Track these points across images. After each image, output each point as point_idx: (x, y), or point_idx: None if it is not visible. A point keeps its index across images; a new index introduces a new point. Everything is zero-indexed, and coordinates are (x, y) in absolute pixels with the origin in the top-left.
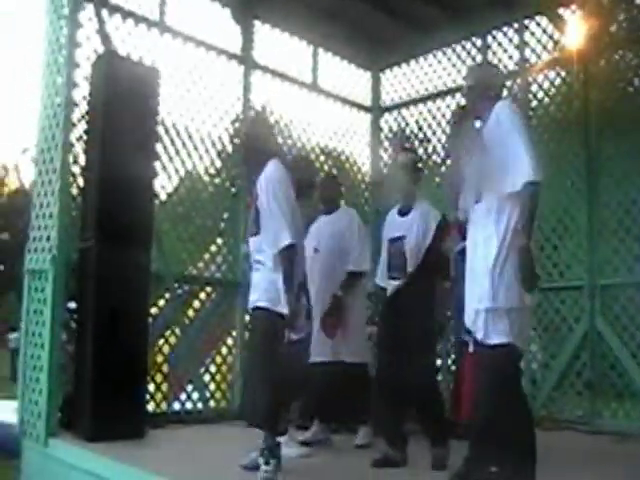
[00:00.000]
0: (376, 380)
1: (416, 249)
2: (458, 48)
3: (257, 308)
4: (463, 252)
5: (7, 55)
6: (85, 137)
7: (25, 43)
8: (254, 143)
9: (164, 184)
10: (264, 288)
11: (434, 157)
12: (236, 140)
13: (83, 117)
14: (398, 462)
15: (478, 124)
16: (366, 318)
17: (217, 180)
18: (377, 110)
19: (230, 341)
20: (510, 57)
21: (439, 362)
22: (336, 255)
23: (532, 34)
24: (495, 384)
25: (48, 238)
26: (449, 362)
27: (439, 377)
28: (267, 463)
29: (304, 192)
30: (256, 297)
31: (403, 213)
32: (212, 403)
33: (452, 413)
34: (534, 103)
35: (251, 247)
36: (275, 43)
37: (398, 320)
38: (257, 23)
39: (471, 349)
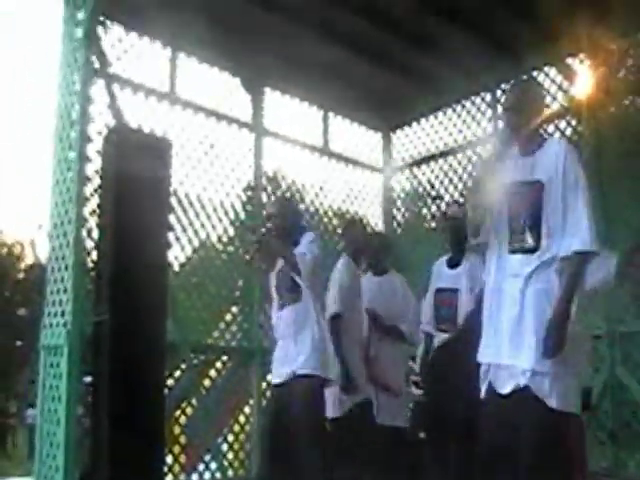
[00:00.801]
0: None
1: (467, 302)
2: (467, 104)
3: (302, 376)
4: None
5: (7, 55)
6: (98, 211)
7: (25, 43)
8: (285, 223)
9: (177, 254)
10: (307, 355)
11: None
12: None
13: (96, 191)
14: None
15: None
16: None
17: (231, 248)
18: (388, 170)
19: (247, 409)
20: None
21: None
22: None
23: (541, 85)
24: None
25: (63, 313)
26: None
27: None
28: None
29: (360, 257)
30: (298, 365)
31: (452, 265)
32: (230, 472)
33: None
34: None
35: (284, 316)
36: (285, 109)
37: (448, 373)
38: (267, 90)
39: None
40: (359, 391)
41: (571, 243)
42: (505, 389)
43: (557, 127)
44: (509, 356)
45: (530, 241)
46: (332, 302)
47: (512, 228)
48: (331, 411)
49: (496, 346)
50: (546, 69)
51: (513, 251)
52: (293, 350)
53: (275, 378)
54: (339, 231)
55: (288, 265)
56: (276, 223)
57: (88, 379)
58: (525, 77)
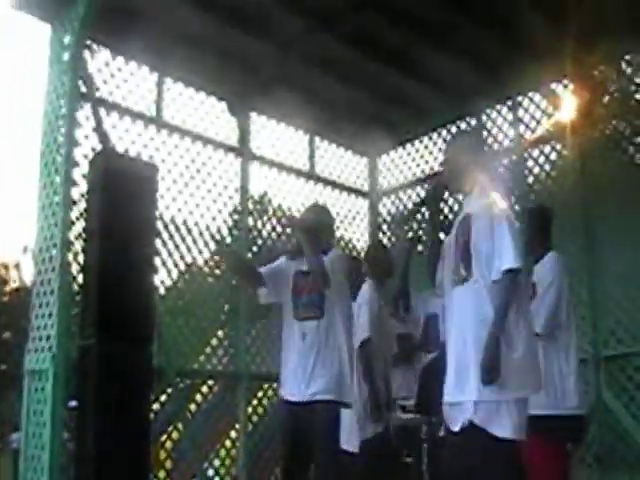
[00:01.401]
0: None
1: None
2: (453, 128)
3: (325, 401)
4: None
5: (5, 55)
6: (84, 235)
7: (23, 44)
8: (319, 231)
9: (164, 278)
10: (330, 378)
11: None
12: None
13: (82, 215)
14: None
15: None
16: None
17: (217, 271)
18: (375, 194)
19: (234, 434)
20: (505, 135)
21: None
22: None
23: (526, 110)
24: None
25: (48, 337)
26: None
27: None
28: None
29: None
30: (320, 388)
31: None
32: None
33: None
34: (530, 179)
35: (305, 330)
36: (272, 133)
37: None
38: (253, 115)
39: None
40: (384, 419)
41: (500, 265)
42: (456, 426)
43: (542, 152)
44: (455, 393)
45: (463, 272)
46: (362, 327)
47: (452, 263)
48: (348, 444)
49: (447, 385)
50: (530, 94)
51: (454, 284)
52: (313, 369)
53: (290, 395)
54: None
55: (313, 273)
56: (307, 226)
57: (73, 403)
58: (469, 125)
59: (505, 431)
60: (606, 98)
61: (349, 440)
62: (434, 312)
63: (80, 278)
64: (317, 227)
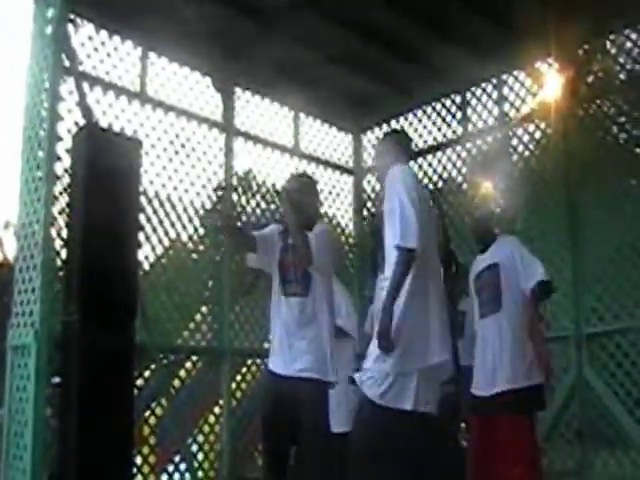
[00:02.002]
0: None
1: None
2: (438, 106)
3: (311, 379)
4: None
5: None
6: (67, 210)
7: (13, 44)
8: (304, 204)
9: (148, 254)
10: (316, 356)
11: None
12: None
13: (65, 190)
14: None
15: None
16: None
17: (201, 247)
18: (359, 171)
19: (217, 410)
20: (489, 112)
21: None
22: None
23: (510, 88)
24: None
25: (31, 313)
26: None
27: None
28: None
29: None
30: (306, 364)
31: None
32: (200, 474)
33: None
34: (515, 157)
35: (290, 306)
36: (256, 109)
37: None
38: (238, 90)
39: None
40: None
41: (392, 241)
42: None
43: (526, 130)
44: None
45: (385, 271)
46: None
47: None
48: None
49: None
50: (515, 72)
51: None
52: (299, 346)
53: (275, 367)
54: None
55: (298, 250)
56: (293, 198)
57: (57, 380)
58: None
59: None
60: (590, 77)
61: (338, 421)
62: None
63: (63, 254)
64: (302, 200)
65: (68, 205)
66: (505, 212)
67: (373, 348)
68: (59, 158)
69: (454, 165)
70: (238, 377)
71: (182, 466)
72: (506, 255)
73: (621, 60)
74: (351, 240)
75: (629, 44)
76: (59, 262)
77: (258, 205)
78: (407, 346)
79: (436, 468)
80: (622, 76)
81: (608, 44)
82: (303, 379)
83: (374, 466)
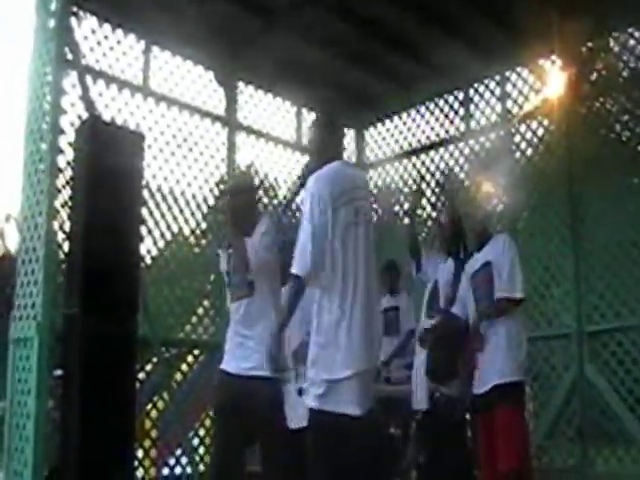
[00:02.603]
0: None
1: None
2: (441, 102)
3: (262, 378)
4: None
5: None
6: (70, 203)
7: (12, 45)
8: (240, 203)
9: (150, 248)
10: (264, 355)
11: (418, 211)
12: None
13: (68, 183)
14: None
15: None
16: None
17: (203, 241)
18: (361, 167)
19: None
20: (492, 109)
21: None
22: None
23: (514, 85)
24: None
25: (33, 305)
26: None
27: None
28: None
29: None
30: (255, 363)
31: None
32: (201, 467)
33: None
34: (517, 154)
35: (236, 309)
36: (259, 104)
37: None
38: (240, 85)
39: None
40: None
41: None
42: None
43: (529, 127)
44: None
45: None
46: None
47: None
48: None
49: None
50: (518, 69)
51: None
52: (248, 345)
53: (229, 367)
54: None
55: (238, 255)
56: (229, 203)
57: (58, 372)
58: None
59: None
60: (593, 75)
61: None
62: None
63: (66, 247)
64: (236, 203)
65: (70, 198)
66: (507, 210)
67: (310, 358)
68: (61, 151)
69: (456, 162)
70: None
71: (183, 460)
72: (498, 253)
73: (624, 58)
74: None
75: (632, 42)
76: (61, 255)
77: (260, 200)
78: (338, 354)
79: (370, 467)
80: (625, 74)
81: (611, 42)
82: (254, 377)
83: (315, 467)
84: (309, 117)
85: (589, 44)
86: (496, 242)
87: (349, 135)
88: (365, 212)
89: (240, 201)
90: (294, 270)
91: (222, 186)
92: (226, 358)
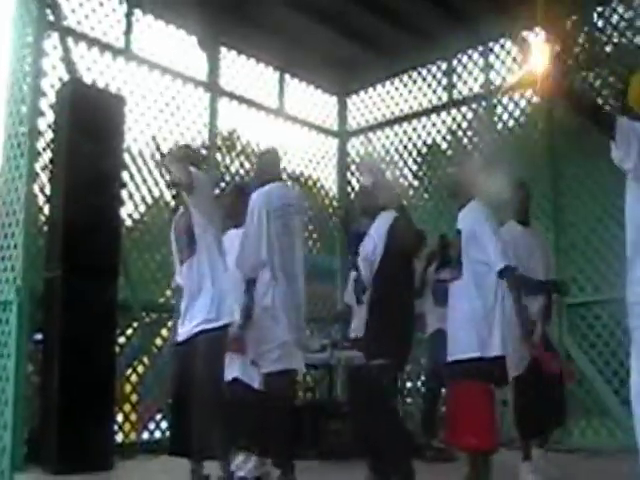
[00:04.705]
0: None
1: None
2: (424, 71)
3: (203, 332)
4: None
5: None
6: (50, 166)
7: None
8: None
9: (131, 212)
10: (207, 309)
11: (400, 180)
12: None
13: (48, 146)
14: None
15: None
16: None
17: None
18: (344, 134)
19: None
20: (475, 80)
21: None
22: None
23: (497, 57)
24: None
25: (13, 268)
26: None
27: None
28: None
29: None
30: (199, 320)
31: None
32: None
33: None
34: (499, 125)
35: (184, 273)
36: (241, 69)
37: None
38: (223, 50)
39: None
40: None
41: None
42: None
43: (512, 99)
44: None
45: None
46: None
47: None
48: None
49: None
50: (502, 41)
51: None
52: (194, 306)
53: (179, 337)
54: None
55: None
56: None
57: (38, 336)
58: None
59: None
60: (577, 49)
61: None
62: None
63: (46, 210)
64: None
65: (51, 161)
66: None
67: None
68: (42, 113)
69: (439, 131)
70: None
71: (163, 424)
72: (469, 223)
73: (608, 32)
74: (335, 203)
75: (615, 17)
76: (42, 218)
77: (242, 165)
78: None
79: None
80: (608, 49)
81: (595, 16)
82: (195, 334)
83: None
84: (292, 83)
85: (573, 17)
86: (469, 210)
87: (331, 102)
88: (294, 224)
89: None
90: (242, 270)
91: (204, 152)
92: (178, 330)
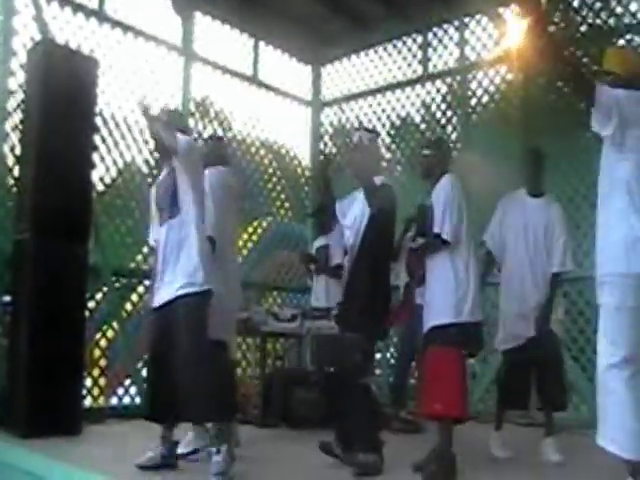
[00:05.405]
0: None
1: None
2: (399, 44)
3: (183, 296)
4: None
5: None
6: (21, 127)
7: None
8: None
9: (102, 176)
10: (189, 273)
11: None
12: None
13: (19, 106)
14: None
15: None
16: None
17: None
18: (317, 104)
19: None
20: (450, 54)
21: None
22: None
23: (472, 32)
24: None
25: None
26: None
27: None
28: (218, 452)
29: None
30: (179, 284)
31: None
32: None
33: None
34: (473, 101)
35: (164, 234)
36: (216, 35)
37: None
38: (198, 15)
39: None
40: None
41: None
42: None
43: (486, 75)
44: None
45: None
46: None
47: None
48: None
49: None
50: (478, 16)
51: None
52: (175, 269)
53: (156, 302)
54: (266, 162)
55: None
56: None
57: (7, 298)
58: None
59: None
60: (552, 28)
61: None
62: None
63: (16, 171)
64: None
65: (21, 121)
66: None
67: None
68: (13, 73)
69: (412, 104)
70: None
71: (132, 390)
72: (441, 196)
73: (583, 13)
74: (307, 173)
75: None
76: (11, 180)
77: (215, 131)
78: None
79: None
80: (583, 29)
81: None
82: (178, 297)
83: None
84: (266, 50)
85: None
86: (440, 185)
87: (305, 71)
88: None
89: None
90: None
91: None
92: (155, 294)
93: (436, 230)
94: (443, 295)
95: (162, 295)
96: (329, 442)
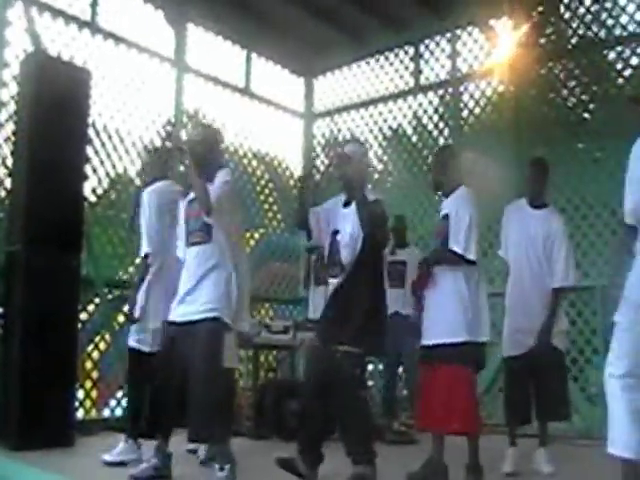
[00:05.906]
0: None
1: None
2: (391, 56)
3: (205, 320)
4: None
5: None
6: (13, 138)
7: None
8: (205, 152)
9: (95, 187)
10: (211, 298)
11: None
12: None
13: (11, 117)
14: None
15: None
16: None
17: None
18: (310, 116)
19: None
20: (442, 66)
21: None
22: None
23: (464, 44)
24: None
25: None
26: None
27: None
28: (222, 469)
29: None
30: (200, 307)
31: (345, 204)
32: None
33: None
34: (465, 112)
35: (192, 254)
36: (208, 47)
37: (337, 317)
38: (190, 26)
39: None
40: None
41: None
42: None
43: (478, 87)
44: None
45: None
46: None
47: None
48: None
49: None
50: (469, 29)
51: None
52: (197, 290)
53: (173, 317)
54: (258, 173)
55: (199, 195)
56: (197, 151)
57: None
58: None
59: None
60: (543, 40)
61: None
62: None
63: (8, 183)
64: (202, 148)
65: (13, 133)
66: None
67: None
68: (5, 84)
69: (404, 116)
70: None
71: (124, 402)
72: (454, 208)
73: (574, 25)
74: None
75: (582, 9)
76: (3, 191)
77: (221, 151)
78: None
79: None
80: (574, 41)
81: (562, 8)
82: (201, 320)
83: None
84: (259, 62)
85: (540, 8)
86: (457, 195)
87: (298, 83)
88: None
89: (202, 148)
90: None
91: (169, 129)
92: (175, 307)
93: (458, 250)
94: (457, 312)
95: (181, 312)
96: (291, 458)
